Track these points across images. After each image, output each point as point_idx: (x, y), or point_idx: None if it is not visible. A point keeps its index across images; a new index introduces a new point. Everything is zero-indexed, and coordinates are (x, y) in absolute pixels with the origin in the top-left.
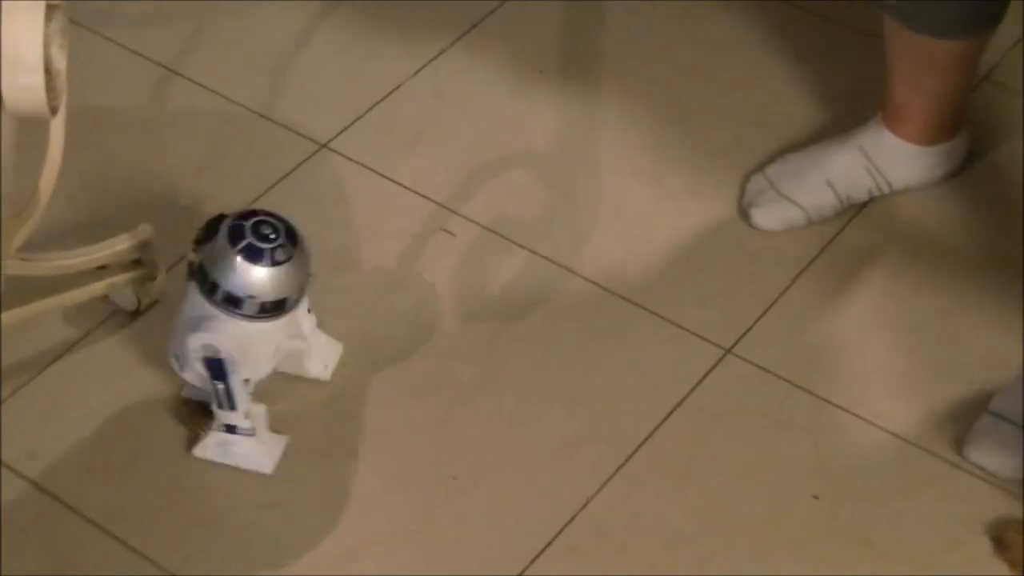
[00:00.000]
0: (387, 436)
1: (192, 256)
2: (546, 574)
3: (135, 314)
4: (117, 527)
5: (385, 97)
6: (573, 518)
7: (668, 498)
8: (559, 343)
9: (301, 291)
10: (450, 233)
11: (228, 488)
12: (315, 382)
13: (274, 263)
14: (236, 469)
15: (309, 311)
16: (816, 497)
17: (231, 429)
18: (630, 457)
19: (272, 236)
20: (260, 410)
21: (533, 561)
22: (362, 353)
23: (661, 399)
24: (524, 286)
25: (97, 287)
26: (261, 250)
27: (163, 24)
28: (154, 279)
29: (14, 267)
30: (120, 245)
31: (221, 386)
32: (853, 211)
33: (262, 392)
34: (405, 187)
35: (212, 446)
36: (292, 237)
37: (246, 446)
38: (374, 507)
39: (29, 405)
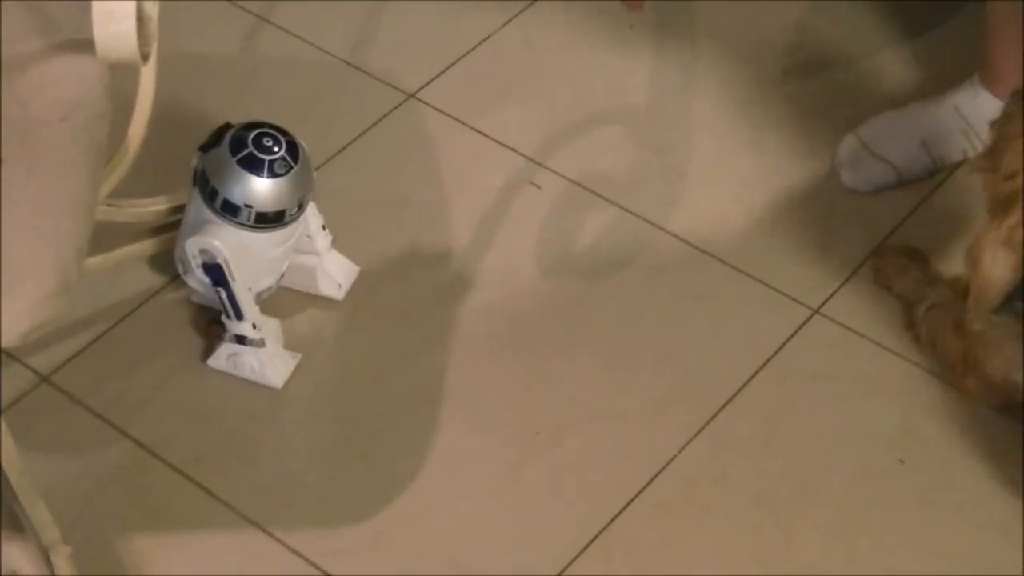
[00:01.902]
0: (472, 391)
1: (196, 162)
2: (630, 529)
3: None
4: (200, 474)
5: (474, 48)
6: (657, 475)
7: (753, 457)
8: (646, 300)
9: (300, 206)
10: (536, 186)
11: (314, 440)
12: (399, 337)
13: (272, 175)
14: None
15: (324, 228)
16: (902, 461)
17: (241, 340)
18: (715, 415)
19: (274, 148)
20: (273, 324)
21: (617, 516)
22: (447, 306)
23: (748, 358)
24: (613, 242)
25: None
26: (261, 161)
27: None
28: None
29: (102, 212)
30: None
31: (224, 293)
32: (946, 173)
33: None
34: (493, 139)
35: (224, 357)
36: (293, 151)
37: (256, 359)
38: (458, 462)
39: (114, 351)
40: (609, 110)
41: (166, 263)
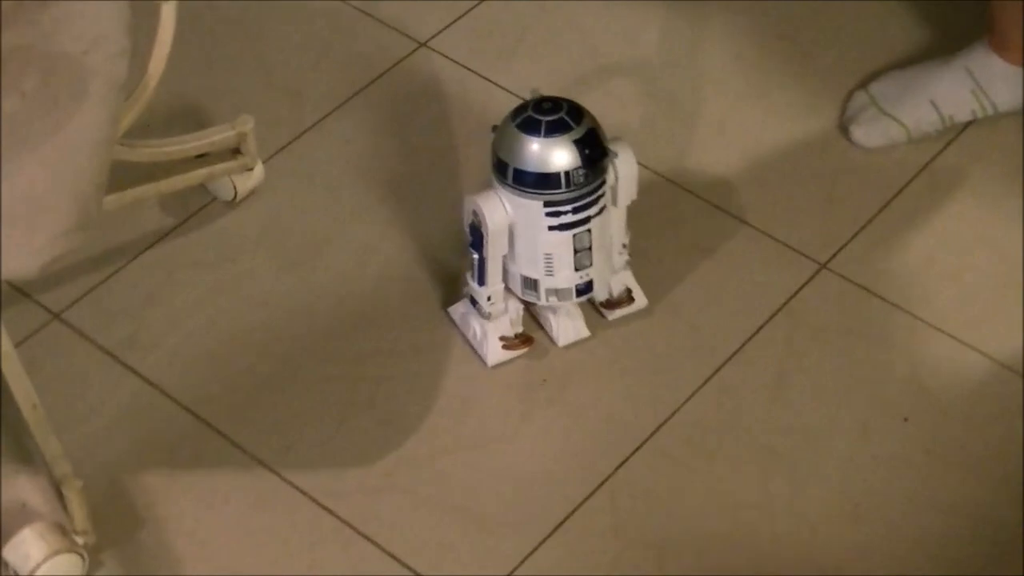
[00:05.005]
0: None
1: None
2: (636, 476)
3: (232, 204)
4: (210, 414)
5: None
6: (664, 424)
7: (759, 409)
8: (654, 252)
9: (578, 172)
10: None
11: (323, 382)
12: (407, 280)
13: (545, 134)
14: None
15: (625, 247)
16: (906, 419)
17: (474, 303)
18: (722, 366)
19: (550, 109)
20: (516, 306)
21: (623, 463)
22: (456, 252)
23: (755, 311)
24: None
25: (195, 175)
26: (537, 121)
27: None
28: (251, 169)
29: (116, 152)
30: (220, 135)
31: (475, 256)
32: (954, 132)
33: None
34: (504, 89)
35: (459, 311)
36: (576, 115)
37: (480, 327)
38: (466, 408)
39: (126, 290)
40: (620, 63)
41: (178, 204)
